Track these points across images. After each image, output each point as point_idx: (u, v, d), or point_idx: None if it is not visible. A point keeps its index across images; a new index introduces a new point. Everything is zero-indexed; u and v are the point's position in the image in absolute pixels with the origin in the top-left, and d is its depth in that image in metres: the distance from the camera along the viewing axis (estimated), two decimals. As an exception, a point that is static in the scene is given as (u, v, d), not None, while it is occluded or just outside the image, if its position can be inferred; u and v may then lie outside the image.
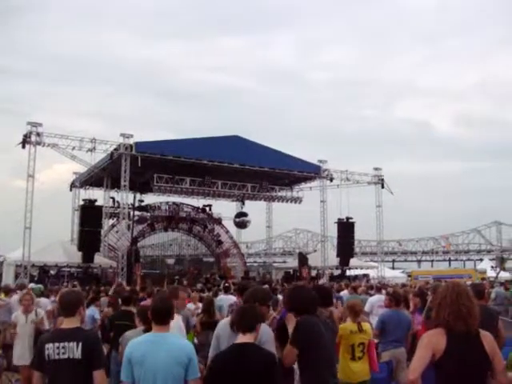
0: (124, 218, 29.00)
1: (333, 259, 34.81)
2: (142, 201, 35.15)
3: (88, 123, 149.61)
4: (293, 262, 42.51)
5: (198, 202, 38.24)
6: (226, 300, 11.06)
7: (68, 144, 26.23)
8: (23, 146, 25.17)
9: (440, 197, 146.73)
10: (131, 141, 26.92)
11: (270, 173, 31.25)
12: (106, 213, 31.66)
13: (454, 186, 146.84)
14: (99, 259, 28.90)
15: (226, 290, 12.84)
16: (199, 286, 22.84)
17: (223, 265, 40.80)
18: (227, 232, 41.56)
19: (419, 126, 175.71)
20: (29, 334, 8.33)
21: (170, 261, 43.71)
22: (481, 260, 64.76)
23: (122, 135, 26.92)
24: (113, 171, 28.87)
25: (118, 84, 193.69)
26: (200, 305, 11.17)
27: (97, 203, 28.94)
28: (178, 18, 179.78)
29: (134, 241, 32.74)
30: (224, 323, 4.97)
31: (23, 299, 8.75)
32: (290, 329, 4.43)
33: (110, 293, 12.57)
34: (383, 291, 11.86)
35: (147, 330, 4.68)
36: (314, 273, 35.12)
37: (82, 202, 29.29)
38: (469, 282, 13.92)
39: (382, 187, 34.89)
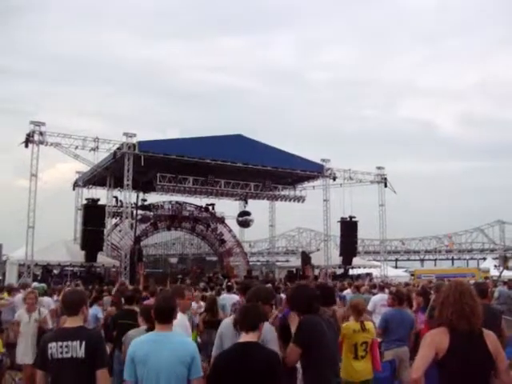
0: (127, 217, 29.05)
1: (336, 258, 34.82)
2: (144, 200, 35.19)
3: (88, 123, 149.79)
4: (296, 261, 42.56)
5: (201, 201, 38.38)
6: (228, 299, 11.06)
7: (71, 143, 26.28)
8: (26, 146, 25.21)
9: (443, 196, 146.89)
10: (134, 140, 26.94)
11: (272, 172, 31.24)
12: (109, 212, 31.75)
13: (456, 186, 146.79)
14: (102, 258, 28.96)
15: (229, 289, 12.88)
16: (202, 284, 22.83)
17: (226, 264, 40.81)
18: (230, 231, 41.56)
19: (420, 126, 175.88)
20: (32, 332, 8.34)
21: (173, 260, 43.72)
22: (484, 259, 64.74)
23: (125, 134, 26.94)
24: (116, 170, 28.89)
25: (118, 84, 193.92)
26: (202, 304, 11.19)
27: (100, 202, 28.99)
28: (177, 17, 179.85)
29: (137, 240, 32.74)
30: (227, 322, 4.98)
31: (27, 298, 8.76)
32: (293, 328, 4.43)
33: (113, 292, 12.58)
34: (386, 290, 11.88)
35: (150, 329, 4.68)
36: (316, 272, 35.14)
37: (84, 202, 29.36)
38: (472, 281, 13.88)
39: (385, 186, 34.87)
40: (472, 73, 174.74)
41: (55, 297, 12.91)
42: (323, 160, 33.38)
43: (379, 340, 7.16)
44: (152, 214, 37.61)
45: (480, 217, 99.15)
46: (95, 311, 9.94)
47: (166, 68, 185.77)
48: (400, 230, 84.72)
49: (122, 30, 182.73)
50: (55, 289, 15.20)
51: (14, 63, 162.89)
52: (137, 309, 7.24)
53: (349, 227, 34.39)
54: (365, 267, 38.40)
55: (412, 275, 43.32)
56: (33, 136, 25.27)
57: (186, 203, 39.05)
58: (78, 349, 3.97)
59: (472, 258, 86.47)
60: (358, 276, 32.91)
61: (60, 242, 29.89)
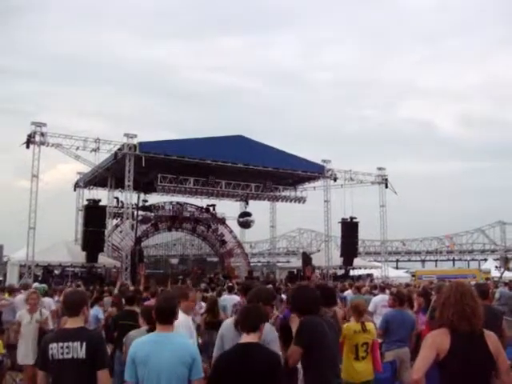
0: (128, 218, 29.05)
1: (336, 259, 34.80)
2: (145, 201, 35.19)
3: (88, 123, 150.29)
4: (296, 262, 42.52)
5: (202, 201, 38.37)
6: (229, 300, 11.04)
7: (72, 144, 26.30)
8: (27, 146, 25.23)
9: (444, 197, 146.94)
10: (135, 141, 26.96)
11: (273, 173, 31.24)
12: (110, 213, 31.78)
13: (456, 186, 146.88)
14: (103, 259, 28.95)
15: (230, 290, 12.85)
16: (203, 285, 22.84)
17: (227, 265, 40.80)
18: (231, 232, 41.57)
19: (420, 126, 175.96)
20: (33, 333, 8.33)
21: (174, 261, 43.71)
22: (485, 260, 64.69)
23: (126, 135, 26.95)
24: (117, 171, 28.90)
25: (118, 84, 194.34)
26: (203, 304, 11.19)
27: (101, 203, 28.98)
28: (177, 17, 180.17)
29: (138, 241, 32.76)
30: (228, 323, 4.98)
31: (29, 298, 8.73)
32: (294, 329, 4.43)
33: (114, 293, 12.58)
34: (387, 291, 11.86)
35: (151, 329, 4.68)
36: (317, 272, 35.14)
37: (85, 202, 29.39)
38: (473, 282, 13.88)
39: (386, 187, 34.86)
40: (472, 73, 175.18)
41: (56, 297, 12.89)
42: (324, 161, 33.39)
43: (380, 341, 7.16)
44: (153, 214, 37.60)
45: (481, 217, 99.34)
46: (96, 312, 9.94)
47: (165, 68, 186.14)
48: (401, 231, 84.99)
49: (121, 29, 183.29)
50: (56, 289, 15.16)
51: (14, 63, 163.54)
52: (138, 309, 7.25)
53: (349, 228, 34.38)
54: (366, 268, 38.38)
55: (413, 276, 43.27)
56: (34, 137, 25.28)
57: (187, 204, 39.06)
58: (78, 350, 3.97)
59: (473, 259, 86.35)
60: (359, 277, 32.89)
61: (61, 242, 29.87)
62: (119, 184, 30.60)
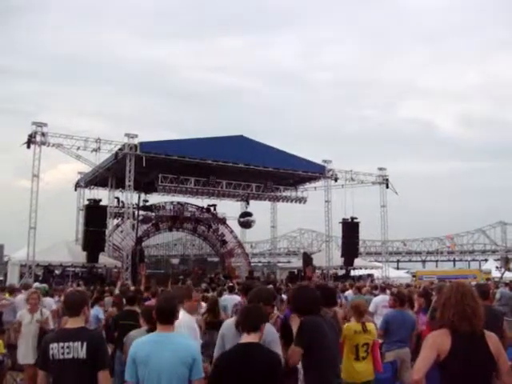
0: (128, 218, 29.06)
1: (337, 259, 34.82)
2: (146, 201, 35.25)
3: (89, 123, 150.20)
4: (297, 262, 42.51)
5: (203, 201, 38.44)
6: (230, 300, 11.04)
7: (73, 144, 26.32)
8: (28, 146, 25.26)
9: (443, 196, 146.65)
10: (136, 141, 27.00)
11: (274, 173, 31.25)
12: (111, 213, 31.79)
13: (456, 186, 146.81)
14: (104, 259, 28.98)
15: (231, 290, 12.85)
16: (204, 285, 22.82)
17: (228, 265, 40.82)
18: (232, 232, 41.60)
19: (420, 126, 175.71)
20: (33, 333, 8.33)
21: (175, 261, 43.76)
22: (486, 260, 64.58)
23: (127, 135, 26.99)
24: (117, 171, 28.91)
25: (118, 84, 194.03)
26: (204, 304, 11.19)
27: (101, 203, 29.06)
28: (177, 17, 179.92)
29: (139, 241, 32.79)
30: (229, 323, 4.98)
31: (30, 298, 8.73)
32: (295, 329, 4.43)
33: (115, 293, 12.57)
34: (388, 291, 11.86)
35: (151, 329, 4.68)
36: (318, 273, 35.15)
37: (86, 202, 29.44)
38: (473, 283, 13.88)
39: (387, 187, 34.84)
40: (472, 73, 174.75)
41: (57, 297, 12.90)
42: (325, 161, 33.40)
43: (380, 341, 7.15)
44: (154, 214, 37.65)
45: (481, 218, 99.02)
46: (96, 312, 9.93)
47: (165, 68, 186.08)
48: (402, 231, 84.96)
49: (121, 29, 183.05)
50: (57, 289, 15.19)
51: (14, 63, 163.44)
52: (138, 309, 7.25)
53: (350, 228, 34.39)
54: (366, 268, 38.40)
55: (414, 276, 43.31)
56: (35, 137, 25.30)
57: (188, 204, 39.10)
58: (79, 350, 3.97)
59: (474, 260, 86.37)
60: (360, 277, 32.92)
61: (62, 242, 29.90)
62: (120, 184, 30.61)
